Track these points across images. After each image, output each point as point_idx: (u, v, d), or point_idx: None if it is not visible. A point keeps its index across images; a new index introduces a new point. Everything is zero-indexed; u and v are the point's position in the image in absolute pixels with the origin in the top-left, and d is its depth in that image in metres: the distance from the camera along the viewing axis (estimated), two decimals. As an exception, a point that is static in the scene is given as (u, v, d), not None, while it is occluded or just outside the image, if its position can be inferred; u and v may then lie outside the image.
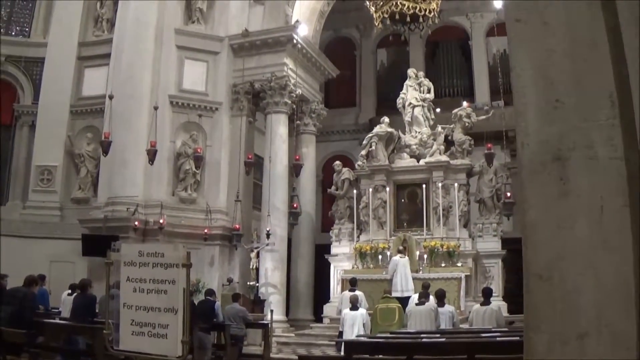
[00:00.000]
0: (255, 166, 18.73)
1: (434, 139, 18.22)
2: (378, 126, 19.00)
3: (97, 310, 10.98)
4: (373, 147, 18.42)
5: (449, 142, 18.43)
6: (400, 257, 15.56)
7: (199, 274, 16.96)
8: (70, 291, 13.13)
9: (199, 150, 17.79)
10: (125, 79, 18.15)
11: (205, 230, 17.97)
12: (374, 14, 11.40)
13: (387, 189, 18.01)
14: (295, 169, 17.43)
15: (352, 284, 14.25)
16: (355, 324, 11.91)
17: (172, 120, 18.83)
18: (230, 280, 17.73)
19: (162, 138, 17.57)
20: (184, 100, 18.99)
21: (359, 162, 18.90)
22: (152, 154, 15.88)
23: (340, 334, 12.36)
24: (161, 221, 17.21)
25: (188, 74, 19.10)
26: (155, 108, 16.89)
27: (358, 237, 18.27)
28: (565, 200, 2.89)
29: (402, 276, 15.23)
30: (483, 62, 25.27)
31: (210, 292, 13.11)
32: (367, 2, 11.74)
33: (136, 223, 16.92)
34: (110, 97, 16.33)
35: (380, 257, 17.12)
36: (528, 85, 3.14)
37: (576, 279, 2.80)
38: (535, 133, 3.05)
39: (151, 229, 17.35)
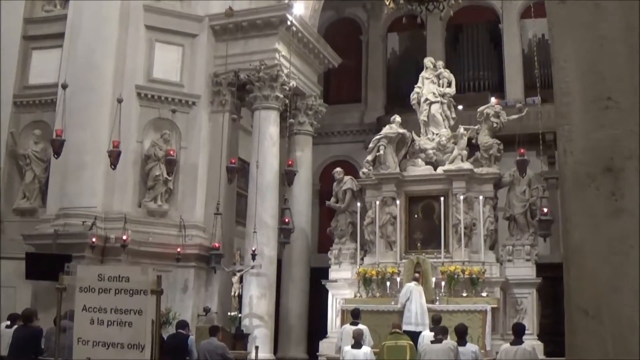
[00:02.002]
0: (239, 172, 18.72)
1: (455, 143, 18.25)
2: (387, 126, 19.03)
3: (42, 346, 10.91)
4: (381, 152, 18.43)
5: (473, 147, 18.45)
6: (415, 285, 15.62)
7: (169, 302, 16.89)
8: (9, 322, 13.00)
9: (171, 152, 17.76)
10: (83, 64, 18.13)
11: (178, 250, 17.94)
12: (385, -9, 11.40)
13: (398, 201, 18.01)
14: (287, 177, 17.42)
15: (354, 316, 14.21)
16: (357, 365, 11.87)
17: (139, 116, 18.82)
18: (207, 310, 17.68)
19: (127, 137, 17.55)
20: (154, 92, 18.99)
21: (364, 170, 18.91)
22: (114, 157, 15.84)
23: (340, 377, 12.33)
24: (124, 238, 17.17)
25: (159, 61, 19.11)
26: (119, 101, 16.86)
27: (362, 259, 18.26)
28: (617, 220, 2.88)
29: (418, 306, 15.26)
30: (516, 50, 25.31)
31: (182, 325, 13.05)
32: (377, -23, 11.75)
33: (94, 240, 16.86)
34: (64, 87, 16.28)
35: (388, 283, 17.12)
36: (573, 80, 3.14)
37: (631, 315, 2.78)
38: (581, 138, 3.04)
39: (112, 247, 17.31)
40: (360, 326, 13.34)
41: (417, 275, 16.18)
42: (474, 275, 16.50)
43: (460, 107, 19.84)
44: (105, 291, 5.19)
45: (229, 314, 17.74)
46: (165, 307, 16.16)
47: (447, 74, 19.22)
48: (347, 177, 19.39)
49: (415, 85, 19.21)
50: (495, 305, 16.31)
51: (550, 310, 17.60)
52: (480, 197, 17.46)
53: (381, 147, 18.51)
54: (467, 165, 17.82)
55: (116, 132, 16.47)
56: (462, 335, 11.51)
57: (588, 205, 2.98)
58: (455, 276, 16.59)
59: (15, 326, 11.75)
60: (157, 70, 19.13)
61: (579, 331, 2.95)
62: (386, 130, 18.90)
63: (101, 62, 18.31)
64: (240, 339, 17.07)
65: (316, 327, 19.46)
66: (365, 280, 17.44)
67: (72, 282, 5.39)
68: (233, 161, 17.54)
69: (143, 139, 18.79)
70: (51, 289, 5.91)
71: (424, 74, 19.25)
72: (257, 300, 18.29)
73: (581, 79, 3.11)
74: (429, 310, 15.37)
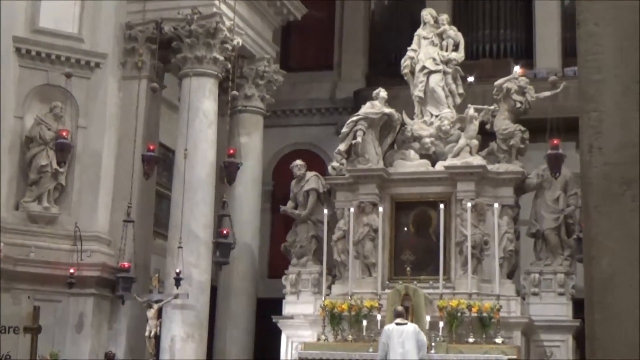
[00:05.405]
0: (160, 164, 18.65)
1: (462, 128, 18.35)
2: (369, 104, 19.08)
3: None
4: (359, 139, 18.48)
5: (486, 135, 18.57)
6: (398, 325, 15.45)
7: (57, 345, 16.81)
8: None
9: (64, 134, 17.61)
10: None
11: (72, 271, 17.80)
12: None
13: (381, 209, 18.07)
14: (227, 171, 17.36)
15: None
16: None
17: (18, 82, 18.67)
18: (110, 357, 17.65)
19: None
20: (40, 47, 18.85)
21: (335, 163, 18.98)
22: (-18, 138, 15.80)
23: None
24: (-5, 253, 17.11)
25: (49, 4, 18.98)
26: (-9, 59, 16.81)
27: (329, 288, 18.35)
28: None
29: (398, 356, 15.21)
30: (552, 2, 25.41)
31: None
32: None
33: (-51, 255, 16.80)
34: None
35: (365, 322, 17.16)
36: (607, 51, 3.18)
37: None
38: (614, 130, 3.08)
39: (-24, 265, 17.24)
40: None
41: (399, 309, 15.97)
42: (484, 314, 16.60)
43: (470, 78, 19.93)
44: (-40, 328, 5.21)
45: (141, 362, 17.75)
46: (50, 351, 16.10)
47: (453, 32, 19.32)
48: (310, 174, 19.41)
49: (409, 48, 19.29)
50: (515, 357, 16.40)
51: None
52: (496, 205, 17.51)
53: (359, 133, 18.54)
54: (477, 160, 17.94)
55: (-15, 104, 16.41)
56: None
57: (621, 221, 3.01)
58: (459, 314, 16.69)
59: None
60: (46, 17, 18.96)
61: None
62: (367, 109, 18.93)
63: (-35, 4, 18.22)
64: (156, 397, 17.11)
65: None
66: (334, 318, 17.48)
67: None
68: (152, 148, 17.46)
69: (24, 114, 18.67)
70: None
71: (421, 31, 19.34)
72: (181, 344, 18.25)
73: (618, 50, 3.14)
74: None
